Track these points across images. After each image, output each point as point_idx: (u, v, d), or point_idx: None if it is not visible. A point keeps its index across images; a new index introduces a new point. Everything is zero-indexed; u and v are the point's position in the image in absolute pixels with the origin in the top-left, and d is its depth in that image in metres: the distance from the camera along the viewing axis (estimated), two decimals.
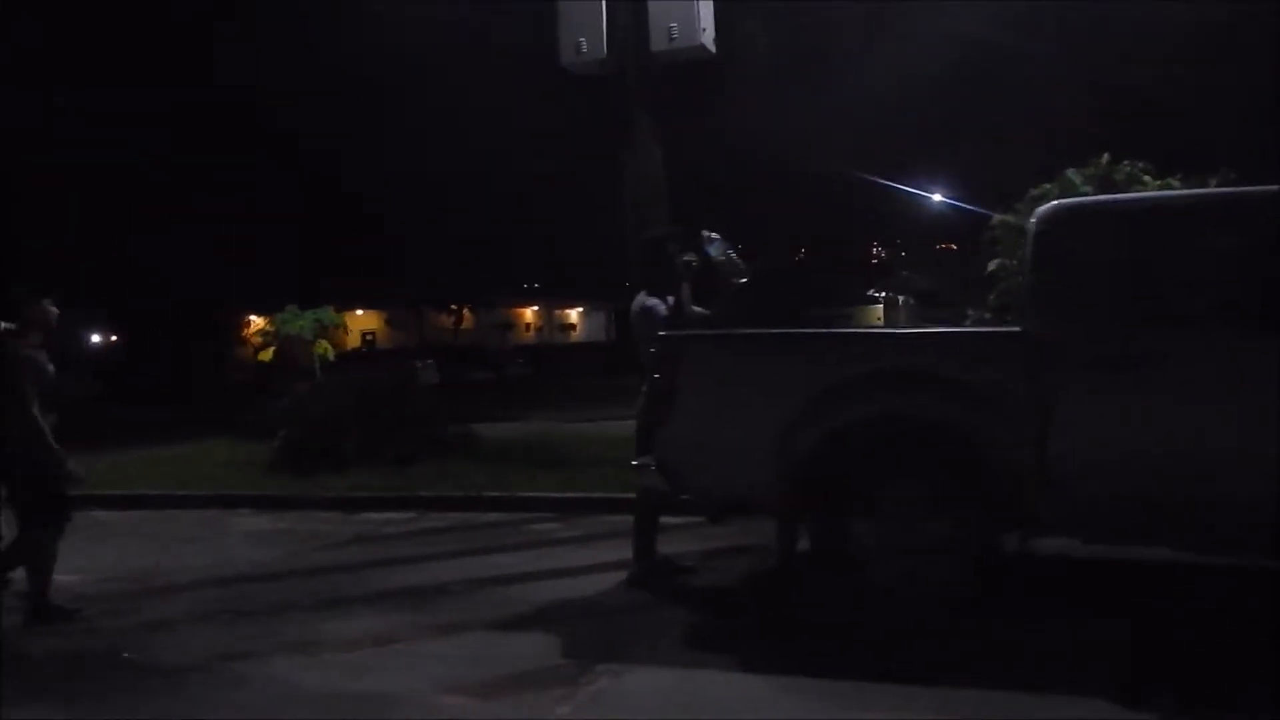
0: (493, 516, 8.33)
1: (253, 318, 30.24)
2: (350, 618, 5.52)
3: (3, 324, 6.23)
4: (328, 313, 12.32)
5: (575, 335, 55.51)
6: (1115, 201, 4.77)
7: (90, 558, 6.80)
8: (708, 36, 8.66)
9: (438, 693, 4.28)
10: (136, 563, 7.07)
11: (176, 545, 7.85)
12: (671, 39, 8.54)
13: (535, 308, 54.11)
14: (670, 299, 5.87)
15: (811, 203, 34.66)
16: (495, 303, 47.99)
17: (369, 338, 44.19)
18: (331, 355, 12.24)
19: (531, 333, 53.03)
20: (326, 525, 8.39)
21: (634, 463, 5.50)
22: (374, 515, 8.68)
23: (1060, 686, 3.99)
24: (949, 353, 4.87)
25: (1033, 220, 4.77)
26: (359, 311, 44.17)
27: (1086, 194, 8.66)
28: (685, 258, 5.89)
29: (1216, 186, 8.81)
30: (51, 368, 5.67)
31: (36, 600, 5.51)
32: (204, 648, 5.08)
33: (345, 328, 12.92)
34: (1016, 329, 4.72)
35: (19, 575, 5.58)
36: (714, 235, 5.82)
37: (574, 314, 57.03)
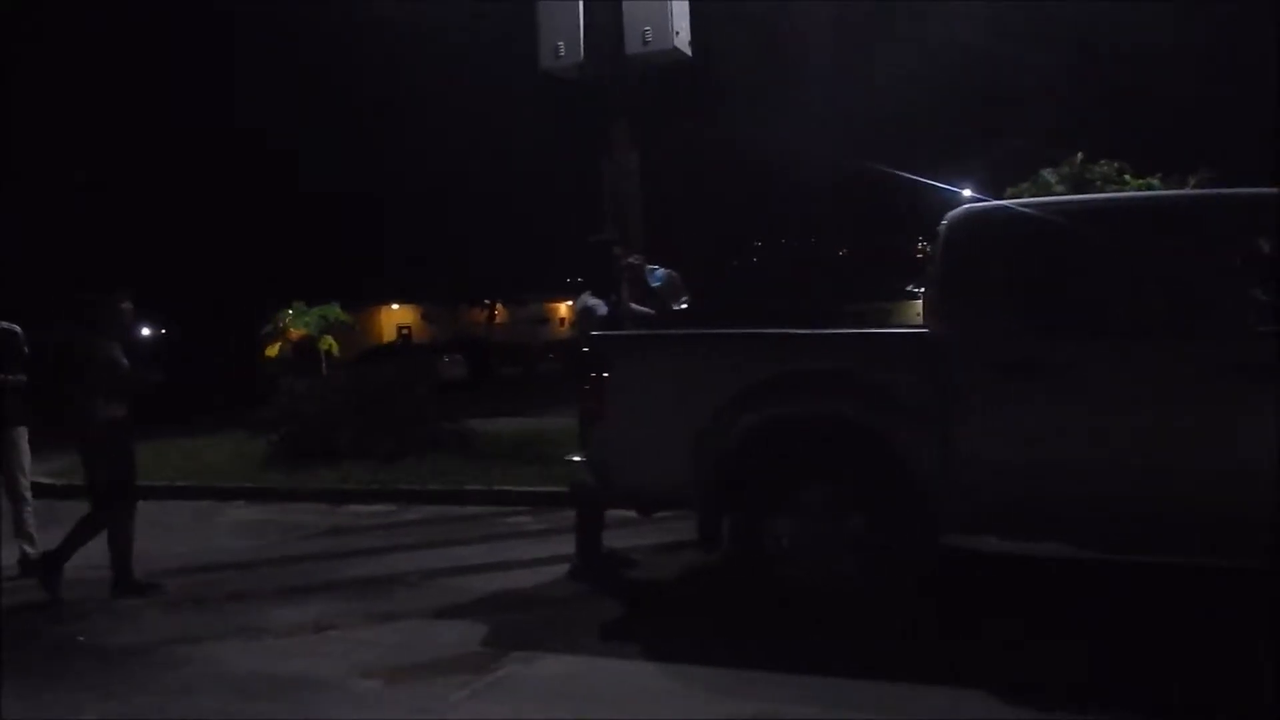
0: (470, 510, 8.57)
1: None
2: (302, 605, 5.77)
3: (3, 324, 6.63)
4: (334, 309, 12.60)
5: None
6: (1021, 207, 4.85)
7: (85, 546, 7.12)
8: (682, 40, 8.78)
9: (354, 676, 4.50)
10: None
11: (165, 535, 8.12)
12: (645, 42, 8.67)
13: (570, 302, 54.30)
14: (613, 299, 6.05)
15: (855, 198, 34.58)
16: (529, 298, 48.25)
17: (404, 332, 44.72)
18: (336, 351, 12.52)
19: (565, 327, 53.27)
20: (311, 517, 8.68)
21: (568, 459, 5.67)
22: (359, 508, 8.97)
23: (943, 679, 4.11)
24: (859, 354, 4.99)
25: (943, 223, 4.88)
26: (394, 306, 44.72)
27: (1060, 193, 8.73)
28: (630, 260, 6.07)
29: (1194, 186, 8.87)
30: (125, 362, 6.10)
31: (119, 576, 6.08)
32: (157, 632, 5.36)
33: (354, 324, 13.16)
34: (924, 331, 4.83)
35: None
36: (655, 267, 6.06)
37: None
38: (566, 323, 54.30)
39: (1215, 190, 4.64)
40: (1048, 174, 8.99)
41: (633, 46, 8.77)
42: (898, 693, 4.05)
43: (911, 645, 4.52)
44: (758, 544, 5.00)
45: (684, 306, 6.08)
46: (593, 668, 4.50)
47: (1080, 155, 8.98)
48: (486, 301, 46.00)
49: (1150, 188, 9.01)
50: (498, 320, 46.89)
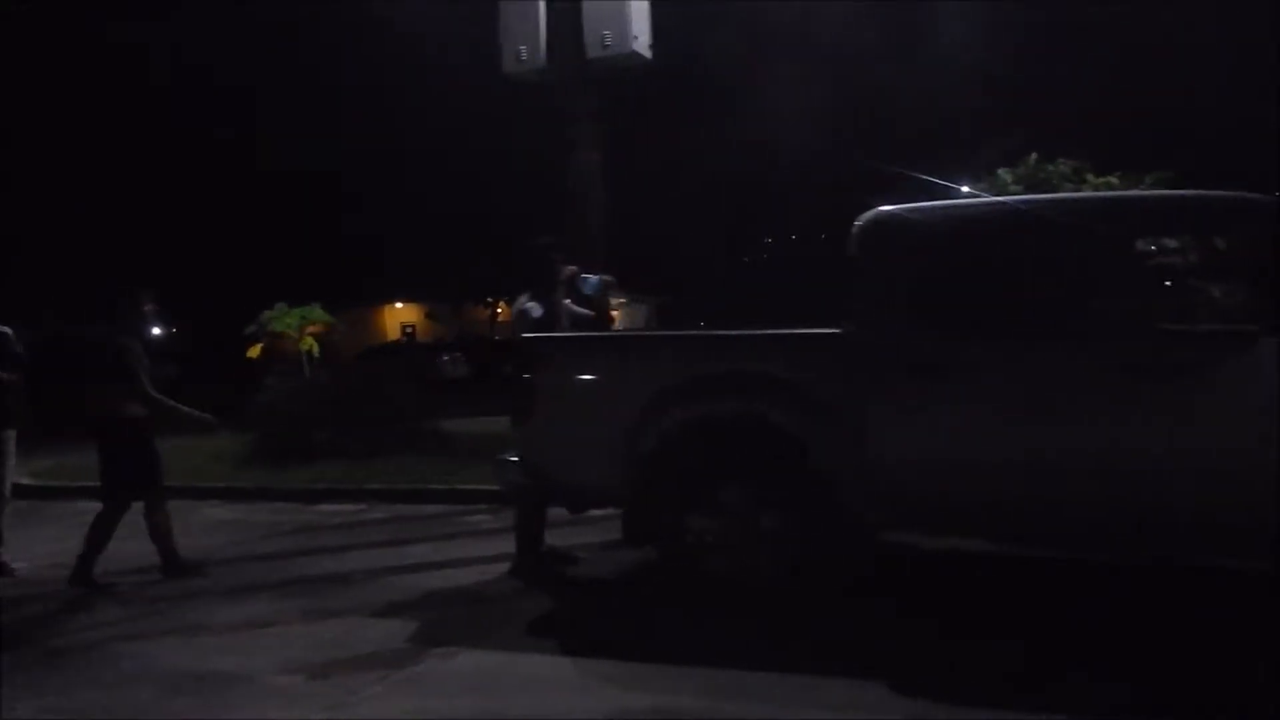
0: (435, 508, 8.70)
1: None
2: (246, 603, 5.90)
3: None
4: (315, 310, 12.75)
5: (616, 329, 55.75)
6: (930, 210, 4.93)
7: (55, 544, 7.33)
8: (641, 43, 8.90)
9: (275, 673, 4.61)
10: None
11: (134, 534, 8.26)
12: (605, 45, 8.81)
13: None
14: (550, 302, 6.17)
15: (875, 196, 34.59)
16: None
17: (409, 330, 44.93)
18: (317, 351, 12.67)
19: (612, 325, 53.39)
20: (279, 516, 8.83)
21: (502, 458, 5.79)
22: (328, 506, 9.11)
23: (846, 672, 4.21)
24: (774, 354, 5.10)
25: (856, 224, 4.98)
26: (398, 304, 44.92)
27: (1015, 192, 8.80)
28: (566, 270, 6.21)
29: (1150, 185, 8.94)
30: (147, 360, 6.42)
31: (166, 562, 6.50)
32: (100, 630, 5.49)
33: (337, 325, 13.31)
34: (838, 331, 4.93)
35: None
36: (589, 276, 6.19)
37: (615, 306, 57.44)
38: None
39: (1118, 193, 4.71)
40: (1004, 173, 9.06)
41: (593, 50, 8.91)
42: (799, 684, 4.14)
43: (825, 640, 4.62)
44: (681, 541, 5.11)
45: (618, 308, 6.21)
46: (507, 662, 4.62)
47: (1034, 155, 9.04)
48: (489, 300, 46.14)
49: (1110, 186, 9.07)
50: (501, 319, 47.04)
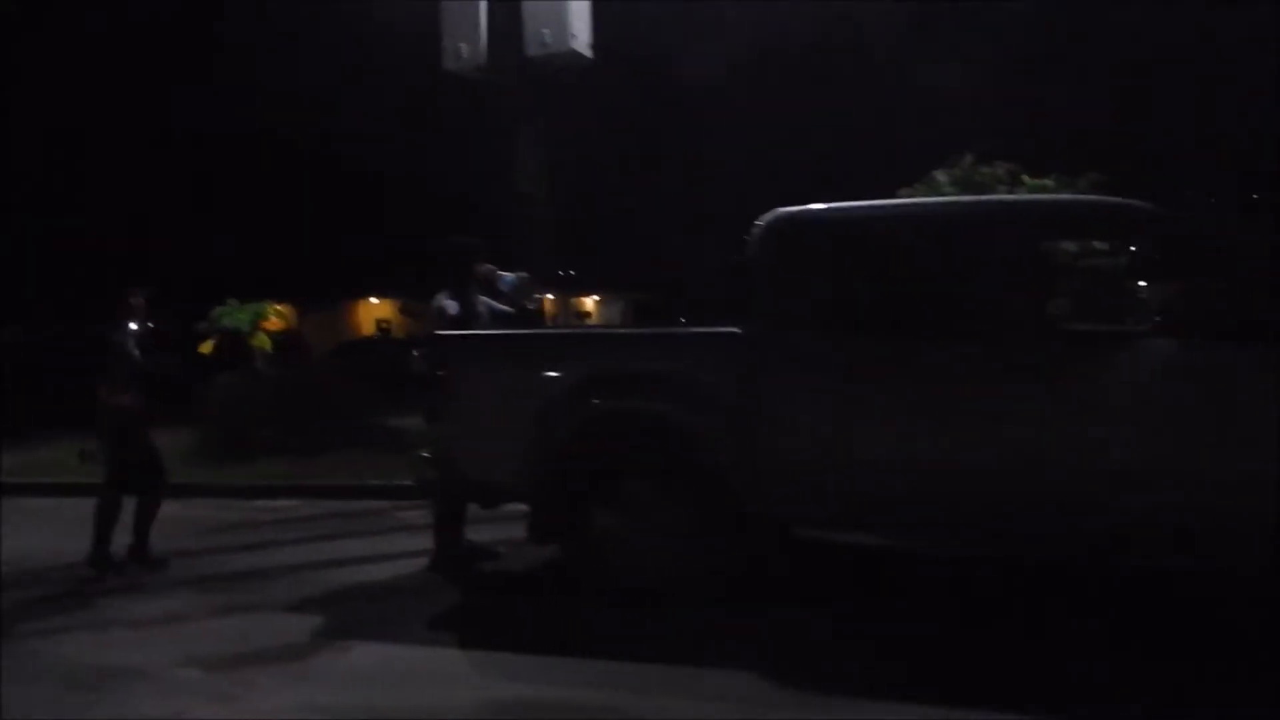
0: (370, 504, 8.76)
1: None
2: (163, 599, 5.94)
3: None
4: (267, 306, 12.74)
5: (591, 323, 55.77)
6: (827, 211, 5.01)
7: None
8: (580, 42, 8.97)
9: (177, 666, 4.67)
10: (29, 548, 7.45)
11: (75, 531, 8.25)
12: (544, 44, 8.87)
13: (550, 296, 54.42)
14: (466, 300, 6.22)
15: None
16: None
17: (384, 326, 44.79)
18: (269, 347, 12.66)
19: (548, 321, 53.40)
20: (216, 512, 8.83)
21: (417, 454, 5.85)
22: (266, 503, 9.14)
23: (727, 663, 4.30)
24: (674, 353, 5.17)
25: (756, 225, 5.05)
26: (373, 300, 44.82)
27: (950, 193, 8.91)
28: (483, 268, 6.26)
29: (1084, 188, 9.06)
30: (137, 353, 6.56)
31: (95, 552, 6.55)
32: (19, 626, 5.51)
33: (288, 320, 13.31)
34: (735, 330, 5.00)
35: None
36: (505, 274, 6.25)
37: (589, 302, 57.38)
38: (547, 317, 54.45)
39: (1009, 197, 4.81)
40: (940, 174, 9.15)
41: (532, 48, 8.96)
42: (678, 675, 4.24)
43: (714, 633, 4.71)
44: (583, 538, 5.18)
45: (534, 305, 6.28)
46: (400, 656, 4.70)
47: (970, 157, 9.14)
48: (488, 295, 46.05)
49: (1045, 189, 9.18)
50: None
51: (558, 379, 5.21)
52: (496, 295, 6.41)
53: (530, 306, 6.30)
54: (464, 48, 9.13)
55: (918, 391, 4.69)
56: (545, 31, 8.86)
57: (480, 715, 3.92)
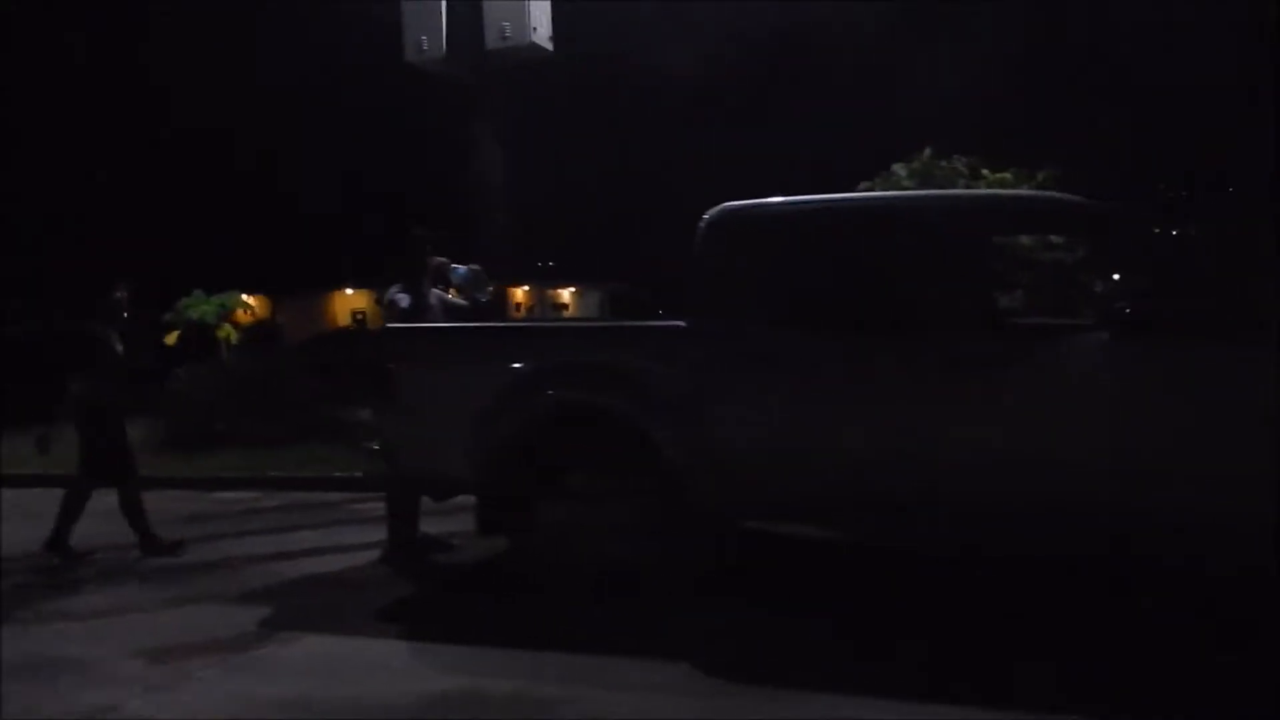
0: (331, 496, 8.78)
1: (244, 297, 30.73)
2: (115, 590, 5.97)
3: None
4: (233, 297, 12.75)
5: (568, 315, 55.69)
6: (771, 205, 5.06)
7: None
8: (540, 35, 8.98)
9: (123, 658, 4.68)
10: None
11: (29, 523, 8.24)
12: (504, 37, 8.88)
13: (526, 288, 54.28)
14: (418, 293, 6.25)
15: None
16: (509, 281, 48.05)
17: (359, 317, 44.64)
18: (235, 339, 12.66)
19: (522, 313, 53.32)
20: (176, 504, 8.81)
21: (366, 446, 5.88)
22: (227, 494, 9.17)
23: (671, 655, 4.35)
24: (619, 346, 5.22)
25: (701, 220, 5.09)
26: (348, 291, 44.66)
27: (908, 188, 8.98)
28: (436, 260, 6.29)
29: (1040, 182, 9.15)
30: (120, 348, 6.78)
31: (55, 537, 6.71)
32: None
33: (259, 311, 13.32)
34: (681, 323, 5.05)
35: None
36: (457, 266, 6.27)
37: (566, 294, 57.30)
38: (523, 308, 54.35)
39: (951, 192, 4.87)
40: (899, 168, 9.22)
41: (492, 42, 8.96)
42: (617, 666, 4.28)
43: (658, 625, 4.77)
44: (530, 530, 5.22)
45: (487, 299, 6.32)
46: (346, 648, 4.73)
47: (928, 150, 9.21)
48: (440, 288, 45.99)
49: (1004, 183, 9.27)
50: None
51: (505, 372, 5.24)
52: (450, 288, 6.44)
53: (483, 299, 6.33)
54: (425, 40, 9.13)
55: (858, 385, 4.74)
56: (505, 24, 8.87)
57: (418, 707, 3.94)
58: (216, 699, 4.11)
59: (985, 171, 9.38)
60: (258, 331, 24.18)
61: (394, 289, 6.28)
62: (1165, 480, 4.23)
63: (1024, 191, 4.67)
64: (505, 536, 5.44)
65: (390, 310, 6.16)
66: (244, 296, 13.07)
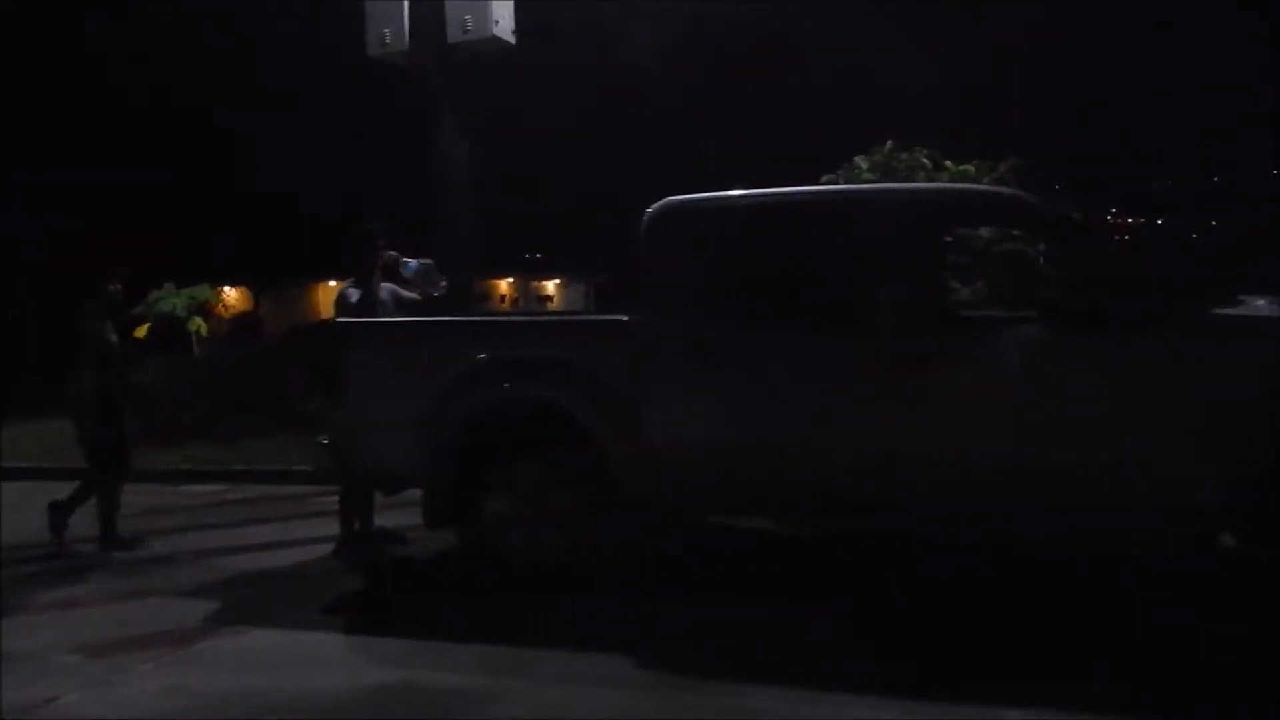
0: (294, 490, 8.79)
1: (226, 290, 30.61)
2: (69, 585, 5.98)
3: None
4: (204, 290, 12.73)
5: (553, 307, 55.59)
6: (712, 200, 5.09)
7: None
8: (503, 28, 8.95)
9: (61, 652, 4.70)
10: None
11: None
12: (466, 30, 8.85)
13: (510, 279, 54.16)
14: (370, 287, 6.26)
15: None
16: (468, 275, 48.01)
17: None
18: (205, 332, 12.65)
19: (507, 305, 53.17)
20: (141, 497, 8.75)
21: (316, 440, 5.90)
22: (193, 488, 9.18)
23: (600, 646, 4.39)
24: (564, 341, 5.25)
25: (646, 214, 5.12)
26: (331, 283, 44.51)
27: (869, 180, 9.02)
28: (386, 254, 6.30)
29: (1004, 172, 9.20)
30: (115, 337, 6.81)
31: (105, 531, 6.80)
32: None
33: (224, 304, 13.32)
34: (623, 318, 5.07)
35: None
36: (409, 261, 6.29)
37: (551, 286, 57.22)
38: (508, 300, 54.25)
39: (888, 185, 4.92)
40: (860, 160, 9.25)
41: (454, 35, 8.94)
42: (557, 659, 4.32)
43: (599, 617, 4.80)
44: (477, 524, 5.25)
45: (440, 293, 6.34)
46: (288, 641, 4.76)
47: (889, 143, 9.24)
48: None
49: (966, 175, 9.32)
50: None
51: (451, 366, 5.26)
52: (402, 282, 6.45)
53: (435, 293, 6.35)
54: (387, 33, 9.09)
55: (793, 380, 4.78)
56: (467, 18, 8.83)
57: (353, 701, 3.97)
58: (152, 693, 4.13)
59: (949, 164, 9.43)
60: (238, 322, 24.20)
61: (346, 284, 6.30)
62: (1093, 473, 4.29)
63: (964, 185, 4.71)
64: (453, 530, 5.47)
65: (340, 305, 6.18)
66: (225, 289, 13.02)
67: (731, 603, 4.97)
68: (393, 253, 6.35)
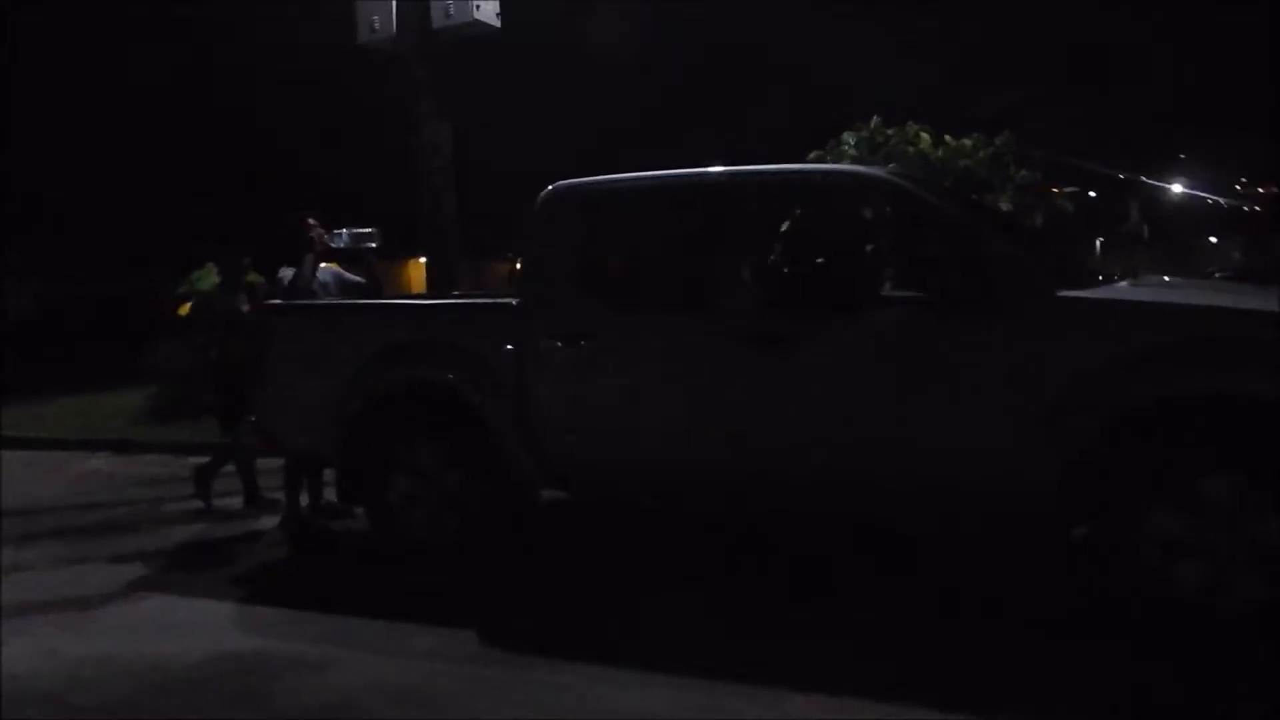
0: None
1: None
2: (22, 549, 6.30)
3: None
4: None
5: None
6: (597, 183, 5.10)
7: None
8: (485, 12, 9.08)
9: None
10: None
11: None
12: (448, 15, 9.01)
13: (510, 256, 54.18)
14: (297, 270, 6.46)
15: None
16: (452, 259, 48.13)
17: None
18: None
19: (491, 285, 53.14)
20: (149, 468, 9.34)
21: (247, 419, 6.14)
22: (199, 459, 9.50)
23: (452, 622, 4.54)
24: (452, 323, 5.36)
25: (539, 197, 5.18)
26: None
27: (856, 156, 8.91)
28: (323, 235, 6.46)
29: (999, 146, 9.00)
30: (246, 309, 7.03)
31: (248, 491, 7.28)
32: None
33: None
34: (511, 301, 5.16)
35: None
36: (340, 232, 6.42)
37: None
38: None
39: (765, 167, 4.87)
40: (848, 136, 9.11)
41: (438, 20, 9.10)
42: (410, 633, 4.47)
43: (472, 590, 4.96)
44: (382, 502, 5.41)
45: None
46: (179, 608, 5.01)
47: (876, 118, 9.08)
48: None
49: (961, 150, 9.13)
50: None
51: (360, 348, 5.42)
52: (346, 263, 6.60)
53: (373, 244, 6.43)
54: (376, 20, 9.31)
55: (665, 360, 4.79)
56: (450, 3, 9.00)
57: (198, 665, 4.17)
58: (26, 655, 4.38)
59: (947, 138, 9.23)
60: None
61: (284, 268, 6.50)
62: (930, 451, 4.23)
63: (830, 165, 4.62)
64: (360, 507, 5.65)
65: (274, 287, 6.38)
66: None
67: (610, 582, 5.05)
68: (319, 229, 6.46)
